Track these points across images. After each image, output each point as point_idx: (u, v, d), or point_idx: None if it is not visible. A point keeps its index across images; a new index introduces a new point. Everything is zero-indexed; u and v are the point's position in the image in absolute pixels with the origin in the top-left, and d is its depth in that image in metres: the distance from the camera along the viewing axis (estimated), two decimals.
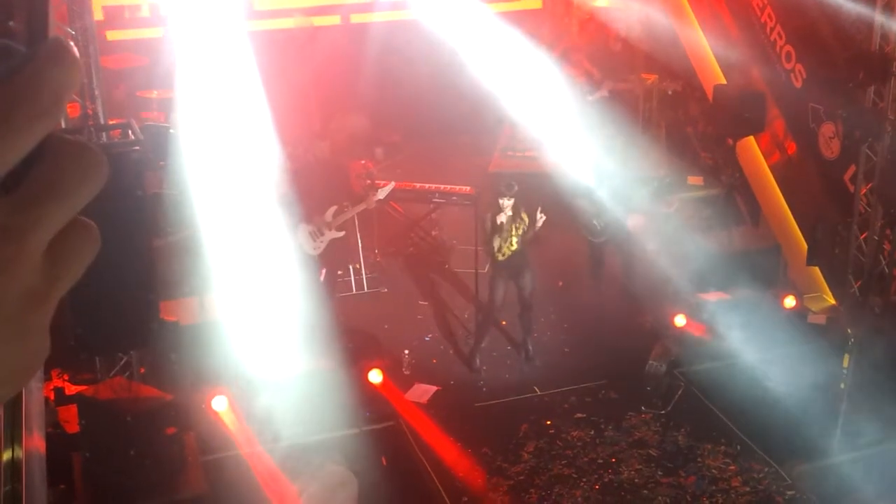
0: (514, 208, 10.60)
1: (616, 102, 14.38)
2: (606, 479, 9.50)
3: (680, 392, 10.72)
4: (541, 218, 10.63)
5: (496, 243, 10.64)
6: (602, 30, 15.71)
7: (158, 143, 10.00)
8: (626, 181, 12.55)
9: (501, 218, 10.55)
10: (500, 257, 10.75)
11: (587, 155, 12.72)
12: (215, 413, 9.64)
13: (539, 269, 11.90)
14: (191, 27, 11.14)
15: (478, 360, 11.22)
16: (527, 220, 10.67)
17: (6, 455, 3.19)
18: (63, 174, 0.72)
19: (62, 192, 0.71)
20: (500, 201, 10.56)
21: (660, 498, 9.27)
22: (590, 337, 11.67)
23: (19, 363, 0.73)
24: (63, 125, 8.66)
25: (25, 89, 0.69)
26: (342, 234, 11.58)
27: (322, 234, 11.38)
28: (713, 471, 9.65)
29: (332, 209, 11.47)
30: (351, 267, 12.70)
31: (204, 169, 10.08)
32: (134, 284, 7.62)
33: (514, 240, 10.68)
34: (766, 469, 9.64)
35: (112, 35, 10.29)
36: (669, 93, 14.95)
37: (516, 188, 10.67)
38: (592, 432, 10.16)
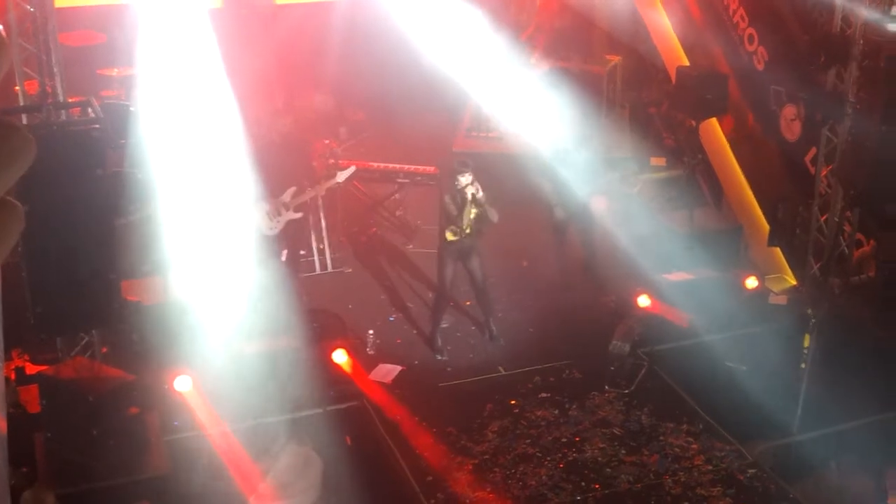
0: (475, 187, 10.56)
1: (579, 83, 14.38)
2: (570, 458, 9.55)
3: (643, 371, 10.78)
4: (493, 213, 10.62)
5: (464, 221, 10.60)
6: (564, 10, 15.70)
7: (119, 121, 9.88)
8: (590, 162, 12.58)
9: (472, 191, 10.49)
10: (456, 237, 10.69)
11: (551, 136, 12.72)
12: (178, 393, 9.59)
13: (503, 249, 11.94)
14: (151, 3, 11.00)
15: (439, 341, 11.22)
16: (483, 203, 10.62)
17: None
18: None
19: None
20: (460, 178, 10.53)
21: (623, 476, 9.34)
22: (554, 317, 11.71)
23: None
24: (21, 103, 8.55)
25: None
26: (300, 215, 11.52)
27: (279, 215, 11.33)
28: (676, 449, 9.73)
29: (291, 190, 11.42)
30: (315, 247, 12.65)
31: (165, 147, 9.99)
32: (95, 264, 7.54)
33: (471, 221, 10.65)
34: (728, 447, 9.73)
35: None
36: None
37: (471, 165, 10.67)
38: (556, 411, 10.20)
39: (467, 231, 10.68)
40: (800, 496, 9.17)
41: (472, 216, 10.61)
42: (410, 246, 13.27)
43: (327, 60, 14.74)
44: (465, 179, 10.51)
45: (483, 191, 10.61)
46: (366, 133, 15.63)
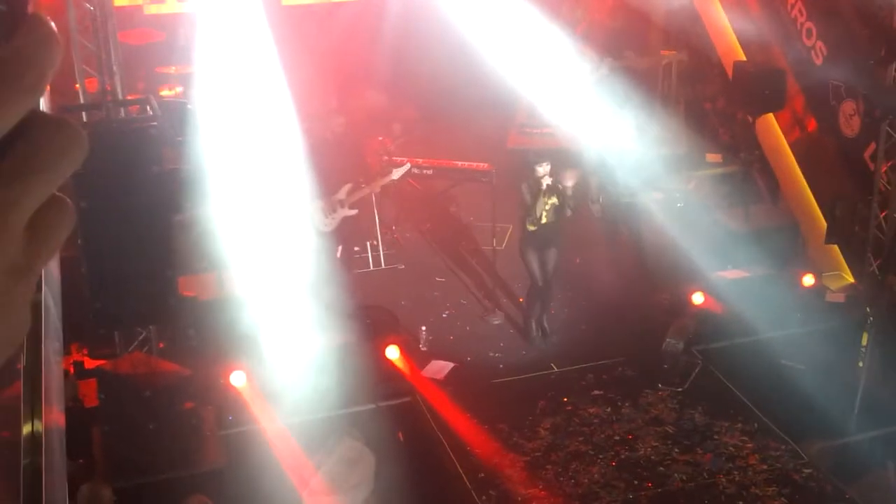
0: (553, 179, 10.60)
1: (634, 79, 14.28)
2: (623, 456, 9.51)
3: (697, 370, 10.70)
4: (569, 187, 10.66)
5: (538, 210, 10.64)
6: (618, 4, 15.61)
7: (177, 118, 10.02)
8: (645, 158, 12.50)
9: (547, 181, 10.54)
10: (535, 227, 10.75)
11: (604, 132, 12.67)
12: (234, 388, 9.70)
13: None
14: (209, 2, 11.12)
15: (534, 330, 11.25)
16: (563, 194, 10.66)
17: (26, 428, 3.21)
18: (44, 150, 0.72)
19: (43, 168, 0.72)
20: (537, 168, 10.58)
21: (676, 475, 9.27)
22: (607, 314, 11.65)
23: (1, 336, 0.73)
24: (81, 101, 8.70)
25: (9, 66, 0.69)
26: (355, 212, 11.59)
27: (335, 212, 11.40)
28: (730, 448, 9.64)
29: (347, 187, 11.49)
30: (368, 243, 12.72)
31: (222, 144, 10.09)
32: (152, 260, 7.64)
33: (549, 211, 10.68)
34: (783, 447, 9.62)
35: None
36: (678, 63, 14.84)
37: (549, 156, 10.74)
38: (609, 409, 10.16)
39: (543, 221, 10.71)
40: (856, 497, 9.05)
41: (547, 206, 10.65)
42: (463, 243, 13.27)
43: (380, 58, 14.80)
44: (542, 170, 10.58)
45: (563, 189, 10.66)
46: (419, 130, 15.67)
